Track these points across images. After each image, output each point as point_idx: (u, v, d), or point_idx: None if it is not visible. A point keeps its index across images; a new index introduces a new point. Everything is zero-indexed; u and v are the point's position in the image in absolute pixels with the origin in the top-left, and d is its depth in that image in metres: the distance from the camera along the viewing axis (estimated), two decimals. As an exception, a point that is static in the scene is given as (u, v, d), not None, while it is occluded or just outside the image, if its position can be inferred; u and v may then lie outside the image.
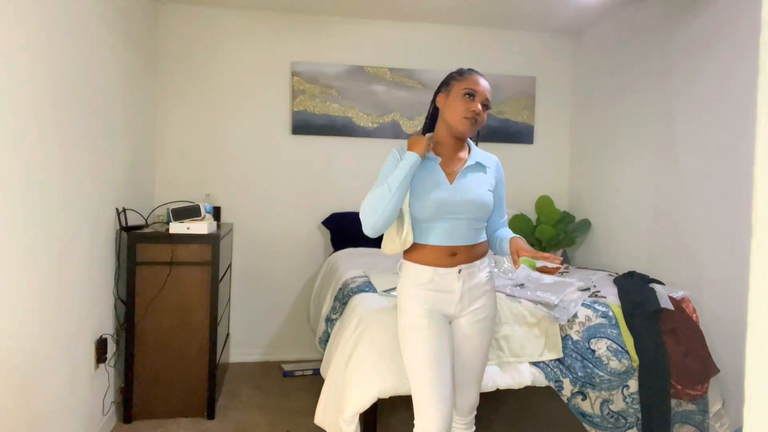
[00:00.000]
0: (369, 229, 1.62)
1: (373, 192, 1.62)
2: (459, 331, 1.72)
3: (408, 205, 1.67)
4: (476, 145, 1.81)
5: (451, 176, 1.68)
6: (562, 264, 1.70)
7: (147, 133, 3.27)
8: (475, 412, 1.82)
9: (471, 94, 1.64)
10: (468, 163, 1.71)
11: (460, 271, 1.67)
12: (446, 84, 1.72)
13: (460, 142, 1.73)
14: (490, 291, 1.75)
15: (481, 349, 1.75)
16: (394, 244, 1.70)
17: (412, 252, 1.71)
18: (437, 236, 1.67)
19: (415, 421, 1.64)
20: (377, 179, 1.68)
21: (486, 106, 1.67)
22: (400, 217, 1.69)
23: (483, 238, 1.76)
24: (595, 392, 2.17)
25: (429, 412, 1.60)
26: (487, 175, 1.75)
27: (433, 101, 1.76)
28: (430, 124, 1.79)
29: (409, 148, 1.63)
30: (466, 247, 1.69)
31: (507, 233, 1.81)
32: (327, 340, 2.47)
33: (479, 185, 1.71)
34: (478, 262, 1.71)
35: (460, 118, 1.64)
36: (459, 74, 1.70)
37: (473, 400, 1.79)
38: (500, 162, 1.83)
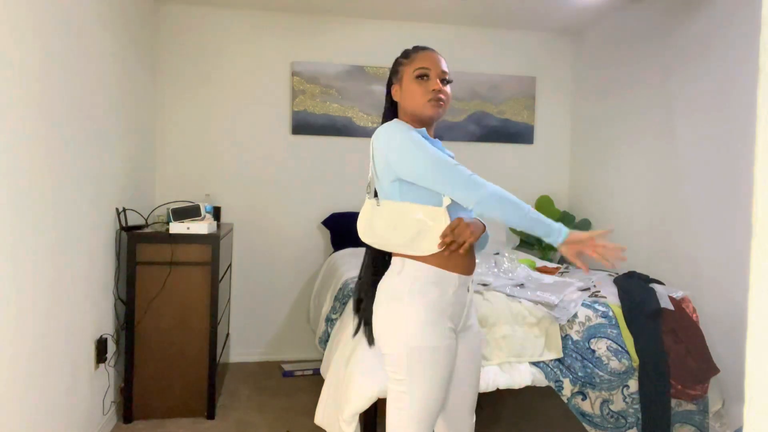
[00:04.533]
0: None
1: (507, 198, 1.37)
2: (466, 348, 1.50)
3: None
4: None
5: None
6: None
7: (147, 133, 3.27)
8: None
9: (424, 75, 1.44)
10: (449, 153, 1.54)
11: (472, 279, 1.50)
12: (395, 72, 1.51)
13: (432, 128, 1.53)
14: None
15: (480, 365, 1.57)
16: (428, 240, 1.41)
17: (435, 254, 1.41)
18: None
19: None
20: (437, 163, 1.38)
21: (446, 80, 1.47)
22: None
23: None
24: (595, 392, 2.17)
25: None
26: None
27: (388, 95, 1.55)
28: (391, 118, 1.54)
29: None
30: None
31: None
32: (327, 340, 2.47)
33: None
34: None
35: (422, 103, 1.44)
36: (404, 57, 1.50)
37: (472, 423, 1.60)
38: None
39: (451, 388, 1.50)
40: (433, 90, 1.43)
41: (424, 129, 1.48)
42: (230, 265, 3.48)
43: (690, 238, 2.78)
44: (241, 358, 3.65)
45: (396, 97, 1.51)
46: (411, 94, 1.45)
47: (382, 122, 1.52)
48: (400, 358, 1.38)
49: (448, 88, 1.48)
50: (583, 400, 2.17)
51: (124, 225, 2.70)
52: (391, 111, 1.55)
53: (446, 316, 1.40)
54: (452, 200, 1.41)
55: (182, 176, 3.54)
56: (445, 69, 1.47)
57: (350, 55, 3.70)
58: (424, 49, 1.49)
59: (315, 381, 3.27)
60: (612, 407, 2.19)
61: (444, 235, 1.36)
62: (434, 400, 1.38)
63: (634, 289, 2.41)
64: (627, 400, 2.20)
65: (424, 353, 1.37)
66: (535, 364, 2.14)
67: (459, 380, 1.51)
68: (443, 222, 1.38)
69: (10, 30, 1.60)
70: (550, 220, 1.37)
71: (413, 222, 1.40)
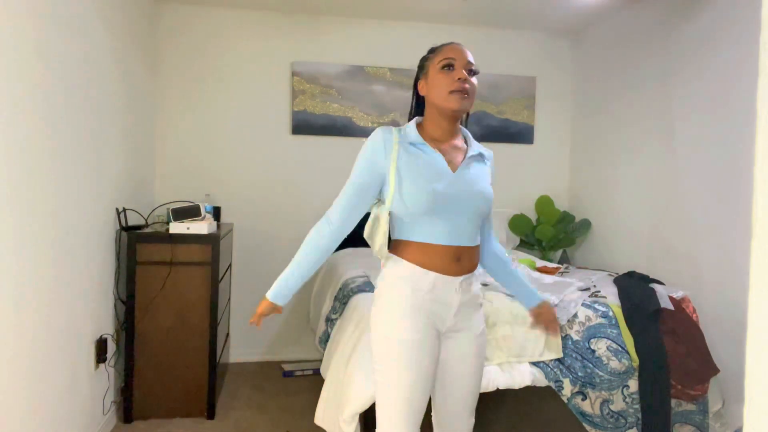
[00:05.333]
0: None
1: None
2: (455, 350, 1.49)
3: (392, 201, 1.43)
4: (465, 126, 1.61)
5: (452, 165, 1.46)
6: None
7: (147, 132, 3.27)
8: None
9: (449, 65, 1.43)
10: (470, 153, 1.51)
11: (461, 282, 1.46)
12: (421, 68, 1.53)
13: (454, 125, 1.51)
14: (480, 304, 1.57)
15: (480, 369, 1.54)
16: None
17: (410, 250, 1.44)
18: (440, 233, 1.43)
19: None
20: (351, 176, 1.49)
21: (472, 71, 1.46)
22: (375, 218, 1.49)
23: (479, 240, 1.56)
24: (595, 392, 2.17)
25: None
26: (487, 167, 1.56)
27: (415, 91, 1.57)
28: (416, 114, 1.59)
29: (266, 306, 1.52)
30: (470, 249, 1.47)
31: (519, 273, 1.72)
32: (327, 340, 2.47)
33: (483, 178, 1.52)
34: (475, 271, 1.53)
35: (445, 94, 1.42)
36: (430, 52, 1.51)
37: (470, 424, 1.58)
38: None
39: (443, 389, 1.52)
40: (459, 79, 1.42)
41: (429, 147, 1.46)
42: (230, 265, 3.48)
43: (690, 238, 2.78)
44: (241, 358, 3.65)
45: (423, 92, 1.52)
46: (436, 86, 1.45)
47: (409, 116, 1.60)
48: (376, 347, 1.45)
49: (474, 80, 1.47)
50: (583, 400, 2.17)
51: (124, 225, 2.70)
52: (417, 110, 1.58)
53: (422, 313, 1.43)
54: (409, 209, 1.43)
55: (182, 176, 3.54)
56: (471, 60, 1.46)
57: (350, 55, 3.70)
58: (449, 43, 1.51)
59: (315, 381, 3.27)
60: (612, 407, 2.19)
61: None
62: (410, 392, 1.40)
63: (634, 289, 2.41)
64: (627, 400, 2.20)
65: (394, 345, 1.41)
66: (535, 364, 2.14)
67: (450, 382, 1.51)
68: (382, 224, 1.45)
69: (9, 29, 1.60)
70: (273, 291, 1.51)
71: (371, 219, 1.50)
